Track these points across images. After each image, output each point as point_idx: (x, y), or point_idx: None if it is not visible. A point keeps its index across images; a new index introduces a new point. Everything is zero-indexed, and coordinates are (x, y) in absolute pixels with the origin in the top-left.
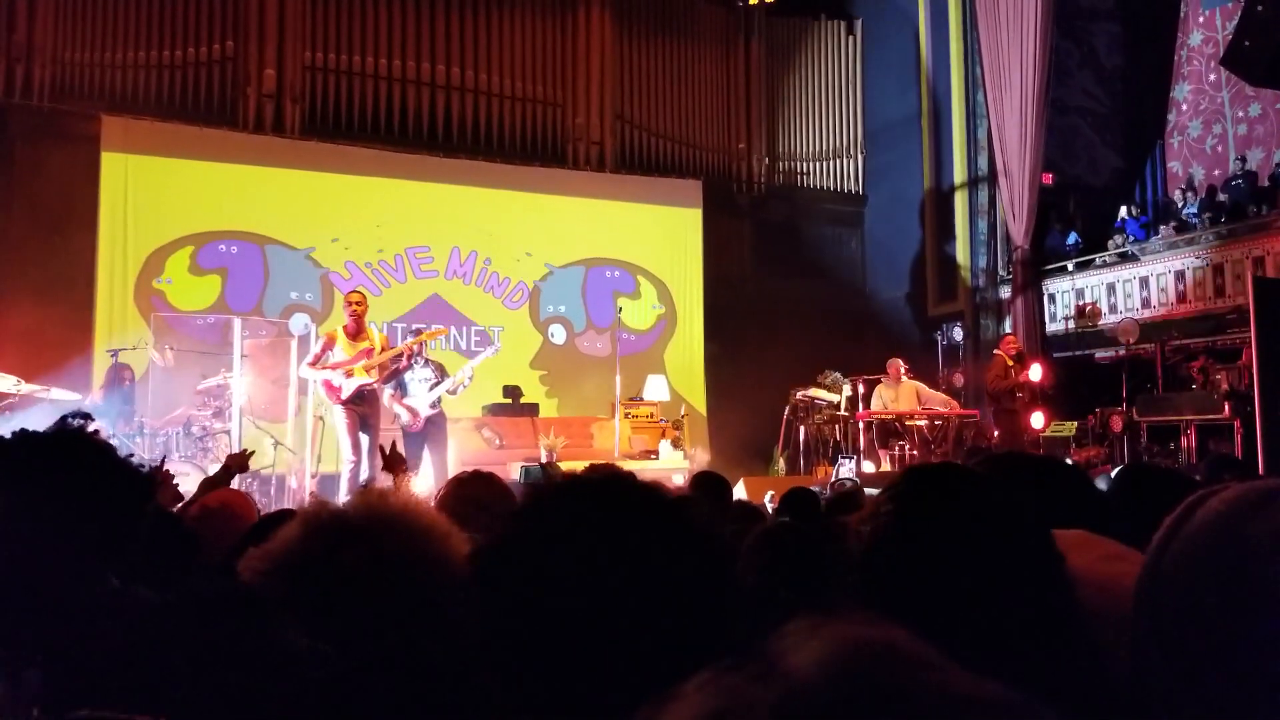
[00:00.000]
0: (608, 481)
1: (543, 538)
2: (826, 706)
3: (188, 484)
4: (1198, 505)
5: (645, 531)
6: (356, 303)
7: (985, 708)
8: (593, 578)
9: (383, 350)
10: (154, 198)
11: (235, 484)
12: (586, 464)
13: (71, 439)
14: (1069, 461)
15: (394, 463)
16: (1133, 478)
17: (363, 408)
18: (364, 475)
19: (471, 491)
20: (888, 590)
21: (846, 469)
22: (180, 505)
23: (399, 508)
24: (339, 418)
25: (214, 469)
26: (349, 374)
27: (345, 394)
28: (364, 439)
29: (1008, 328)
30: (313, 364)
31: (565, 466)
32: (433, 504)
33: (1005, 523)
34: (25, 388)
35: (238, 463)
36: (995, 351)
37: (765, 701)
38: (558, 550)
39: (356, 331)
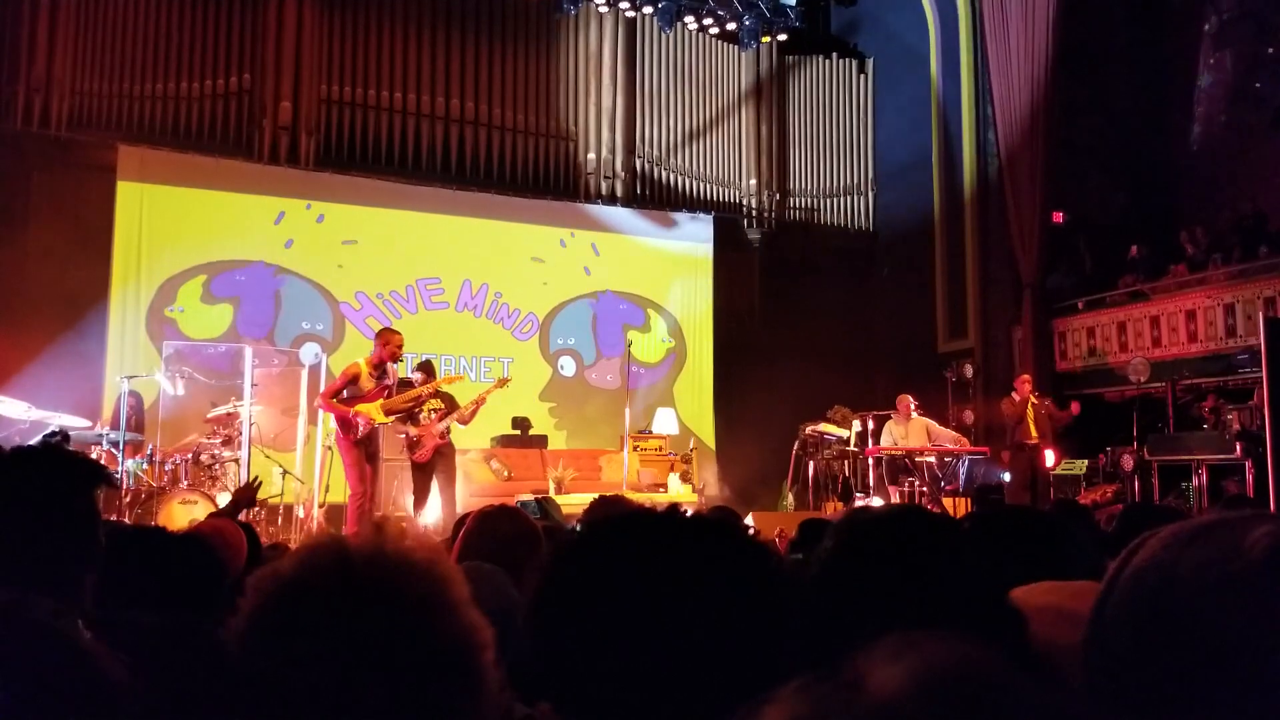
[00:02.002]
0: (665, 516)
1: (606, 570)
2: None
3: (197, 511)
4: (1140, 546)
5: (714, 561)
6: (399, 346)
7: None
8: (660, 608)
9: (398, 383)
10: (168, 227)
11: (242, 514)
12: (594, 496)
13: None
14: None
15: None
16: (1135, 519)
17: (367, 442)
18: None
19: (494, 526)
20: (829, 615)
21: (861, 505)
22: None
23: (409, 564)
24: (345, 452)
25: (223, 498)
26: (369, 420)
27: (359, 434)
28: (368, 471)
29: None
30: (331, 395)
31: (563, 501)
32: (452, 535)
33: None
34: (36, 414)
35: (245, 496)
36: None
37: (854, 712)
38: (622, 582)
39: (380, 366)
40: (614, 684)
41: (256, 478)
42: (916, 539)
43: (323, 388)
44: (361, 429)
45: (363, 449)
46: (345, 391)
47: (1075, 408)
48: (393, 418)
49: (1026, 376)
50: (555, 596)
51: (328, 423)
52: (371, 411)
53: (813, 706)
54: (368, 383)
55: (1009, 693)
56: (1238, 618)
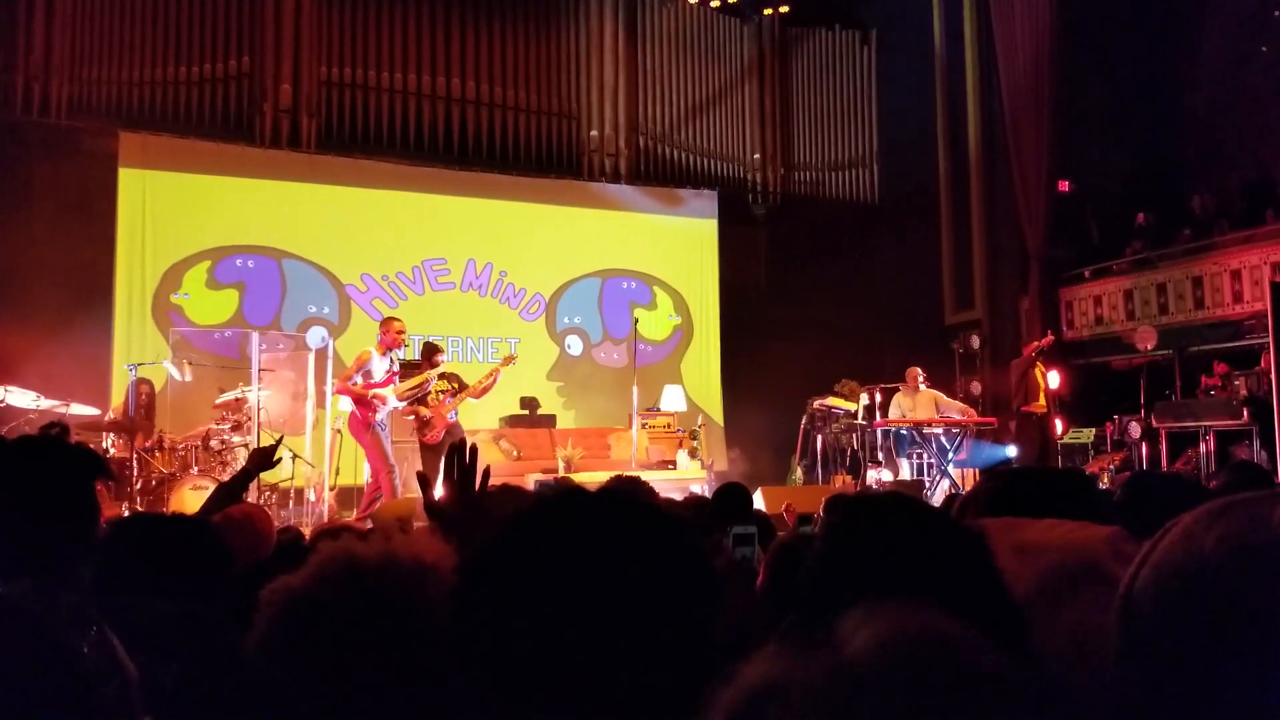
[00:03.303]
0: (587, 498)
1: (522, 557)
2: (876, 681)
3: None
4: (1172, 526)
5: (627, 548)
6: (400, 332)
7: (1016, 687)
8: (573, 593)
9: (405, 367)
10: (171, 213)
11: (253, 496)
12: (608, 476)
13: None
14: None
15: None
16: (1141, 485)
17: (379, 426)
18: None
19: (498, 506)
20: (827, 595)
21: (874, 477)
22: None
23: (419, 572)
24: (364, 437)
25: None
26: (383, 401)
27: (377, 419)
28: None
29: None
30: (350, 382)
31: (580, 479)
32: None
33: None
34: (44, 403)
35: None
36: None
37: (820, 673)
38: (536, 568)
39: (386, 353)
40: (545, 674)
41: (281, 437)
42: (901, 530)
43: (330, 371)
44: (380, 416)
45: (378, 431)
46: (359, 378)
47: (1049, 338)
48: (404, 402)
49: (1034, 343)
50: (483, 589)
51: (337, 405)
52: (386, 395)
53: (786, 668)
54: (378, 369)
55: (970, 653)
56: (1262, 588)
